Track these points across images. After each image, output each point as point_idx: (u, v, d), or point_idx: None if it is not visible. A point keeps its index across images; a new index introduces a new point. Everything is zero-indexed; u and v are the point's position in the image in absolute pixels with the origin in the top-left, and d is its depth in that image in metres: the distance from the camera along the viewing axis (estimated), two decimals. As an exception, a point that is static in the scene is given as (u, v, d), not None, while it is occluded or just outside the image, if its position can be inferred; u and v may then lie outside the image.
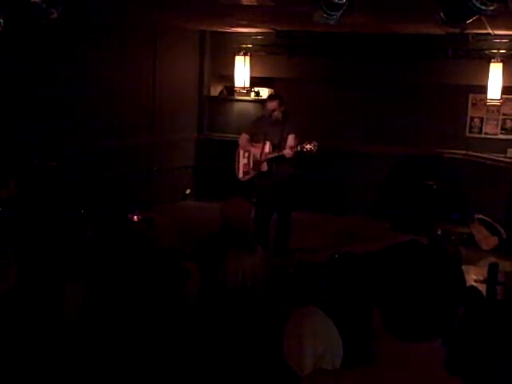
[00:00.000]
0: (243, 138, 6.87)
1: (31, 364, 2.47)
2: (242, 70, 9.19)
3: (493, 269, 4.91)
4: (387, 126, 8.63)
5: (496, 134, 8.32)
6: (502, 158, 7.96)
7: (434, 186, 8.16)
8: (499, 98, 8.00)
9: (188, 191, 9.59)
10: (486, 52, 8.07)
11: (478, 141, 8.34)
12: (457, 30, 6.04)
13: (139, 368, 2.48)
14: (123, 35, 7.72)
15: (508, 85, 7.98)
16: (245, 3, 6.38)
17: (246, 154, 6.84)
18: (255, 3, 6.29)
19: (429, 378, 1.36)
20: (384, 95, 8.62)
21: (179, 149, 9.43)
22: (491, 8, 3.92)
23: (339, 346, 2.42)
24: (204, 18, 7.96)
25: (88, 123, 7.20)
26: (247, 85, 9.25)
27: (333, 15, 4.38)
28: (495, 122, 8.33)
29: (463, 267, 1.45)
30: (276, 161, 6.55)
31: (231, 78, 9.32)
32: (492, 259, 6.38)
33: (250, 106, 9.28)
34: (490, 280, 4.86)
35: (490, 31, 7.45)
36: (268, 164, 6.58)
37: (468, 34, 7.77)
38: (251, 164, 6.79)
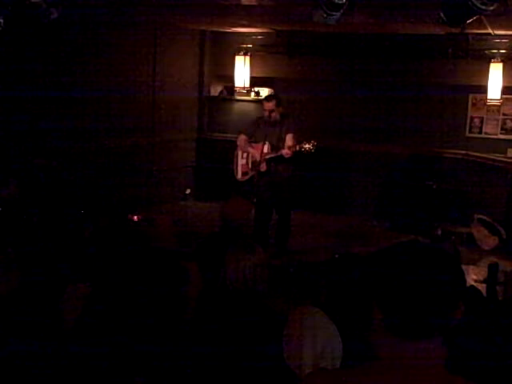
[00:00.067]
0: (241, 139, 6.87)
1: (32, 366, 2.48)
2: (242, 70, 9.19)
3: (493, 269, 4.92)
4: (387, 125, 8.62)
5: (496, 134, 8.31)
6: (501, 158, 7.96)
7: (434, 186, 8.16)
8: (499, 98, 8.00)
9: (188, 191, 9.59)
10: (486, 52, 8.06)
11: (478, 141, 8.34)
12: (457, 30, 6.03)
13: (139, 370, 2.48)
14: (123, 35, 7.72)
15: (508, 85, 7.97)
16: (245, 3, 6.38)
17: (245, 155, 6.84)
18: (255, 3, 6.29)
19: (429, 377, 1.36)
20: (384, 95, 8.62)
21: (179, 149, 9.43)
22: (491, 8, 3.92)
23: (339, 345, 2.42)
24: (204, 17, 7.95)
25: (88, 123, 7.21)
26: (247, 85, 9.25)
27: (333, 15, 4.38)
28: (495, 122, 8.32)
29: (463, 267, 1.45)
30: (275, 161, 6.56)
31: (231, 78, 9.31)
32: (492, 259, 6.38)
33: (250, 106, 9.28)
34: (490, 280, 4.86)
35: (490, 31, 7.44)
36: (267, 164, 6.58)
37: (468, 33, 7.76)
38: (250, 164, 6.80)
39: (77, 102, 7.09)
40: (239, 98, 9.55)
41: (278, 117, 6.55)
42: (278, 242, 6.81)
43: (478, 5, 3.86)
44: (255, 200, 6.57)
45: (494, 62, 7.97)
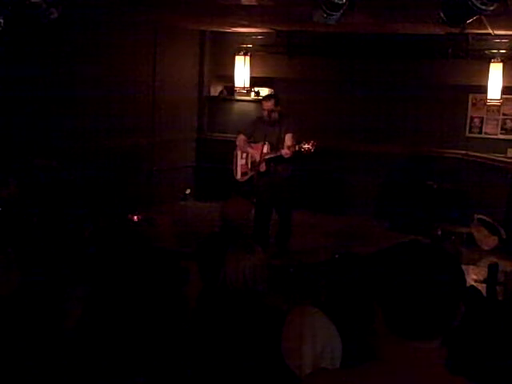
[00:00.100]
0: (240, 139, 6.86)
1: (33, 367, 2.47)
2: (242, 70, 9.19)
3: (493, 269, 4.92)
4: (387, 125, 8.63)
5: (496, 134, 8.31)
6: (502, 158, 7.96)
7: (434, 186, 8.16)
8: (499, 98, 8.00)
9: (188, 191, 9.59)
10: (486, 52, 8.06)
11: (478, 141, 8.34)
12: (457, 30, 6.03)
13: (140, 370, 2.48)
14: (123, 35, 7.72)
15: (508, 85, 7.97)
16: (245, 3, 6.38)
17: (244, 155, 6.84)
18: (255, 3, 6.29)
19: (429, 377, 1.36)
20: (384, 95, 8.62)
21: (179, 149, 9.43)
22: (491, 8, 3.92)
23: (338, 345, 2.42)
24: (204, 17, 7.95)
25: (88, 123, 7.21)
26: (247, 85, 9.25)
27: (333, 15, 4.38)
28: (495, 122, 8.32)
29: (463, 267, 1.45)
30: (274, 161, 6.55)
31: (231, 78, 9.31)
32: (492, 259, 6.38)
33: (250, 106, 9.28)
34: (490, 280, 4.86)
35: (490, 31, 7.44)
36: (266, 164, 6.58)
37: (468, 33, 7.76)
38: (249, 165, 6.79)
39: (77, 102, 7.09)
40: (239, 98, 9.55)
41: (276, 116, 6.55)
42: (278, 242, 6.81)
43: (478, 5, 3.86)
44: (255, 200, 6.56)
45: (493, 61, 7.98)
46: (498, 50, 8.01)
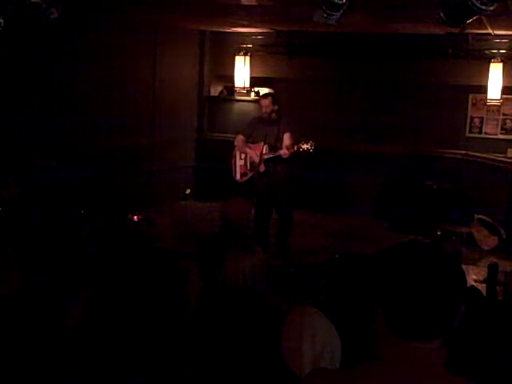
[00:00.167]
0: (239, 139, 6.86)
1: (33, 367, 2.47)
2: (242, 70, 9.19)
3: (493, 269, 4.92)
4: (387, 125, 8.63)
5: (496, 134, 8.32)
6: (502, 158, 7.96)
7: (434, 186, 8.16)
8: (499, 97, 8.00)
9: (188, 191, 9.59)
10: (486, 52, 8.06)
11: (478, 141, 8.34)
12: (457, 30, 6.03)
13: (140, 370, 2.48)
14: (123, 35, 7.72)
15: (508, 85, 7.98)
16: (245, 3, 6.38)
17: (243, 156, 6.83)
18: (255, 3, 6.29)
19: (429, 377, 1.36)
20: (384, 95, 8.62)
21: (179, 149, 9.43)
22: (491, 8, 3.92)
23: (338, 345, 2.42)
24: (204, 17, 7.95)
25: (88, 123, 7.21)
26: (247, 85, 9.25)
27: (333, 15, 4.38)
28: (495, 122, 8.32)
29: (463, 267, 1.45)
30: (273, 161, 6.55)
31: (231, 78, 9.32)
32: (492, 259, 6.38)
33: (250, 106, 9.28)
34: (490, 280, 4.86)
35: (490, 31, 7.44)
36: (265, 165, 6.57)
37: (468, 33, 7.76)
38: (248, 165, 6.79)
39: (77, 101, 7.09)
40: (239, 98, 9.55)
41: (275, 115, 6.55)
42: (278, 241, 6.80)
43: (478, 5, 3.86)
44: (255, 200, 6.56)
45: (493, 62, 7.98)
46: (498, 50, 8.02)
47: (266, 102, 6.60)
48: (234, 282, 2.77)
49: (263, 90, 9.29)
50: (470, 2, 3.87)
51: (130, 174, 8.01)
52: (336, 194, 8.85)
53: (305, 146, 6.33)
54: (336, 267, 4.85)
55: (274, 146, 6.51)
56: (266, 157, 6.52)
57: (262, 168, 6.58)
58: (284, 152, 6.41)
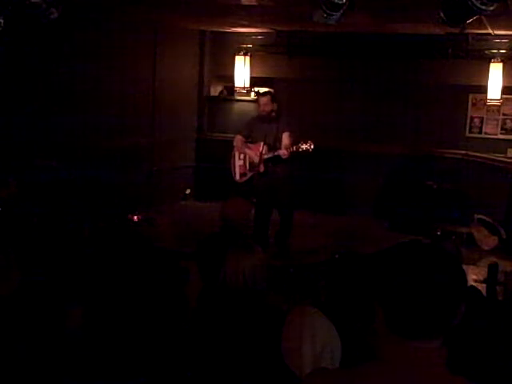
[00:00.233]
0: (238, 140, 6.86)
1: (33, 367, 2.47)
2: (242, 70, 9.19)
3: (493, 269, 4.92)
4: (387, 125, 8.62)
5: (496, 134, 8.32)
6: (502, 158, 7.96)
7: (434, 186, 8.16)
8: (499, 97, 8.00)
9: (188, 191, 9.59)
10: (486, 52, 8.06)
11: (478, 141, 8.34)
12: (457, 30, 6.03)
13: (140, 370, 2.48)
14: (123, 35, 7.72)
15: (508, 85, 7.98)
16: (245, 3, 6.38)
17: (242, 156, 6.83)
18: (255, 3, 6.29)
19: (429, 377, 1.36)
20: (384, 95, 8.62)
21: (179, 149, 9.43)
22: (491, 8, 3.92)
23: (338, 345, 2.42)
24: (204, 17, 7.95)
25: (88, 123, 7.20)
26: (247, 85, 9.25)
27: (333, 15, 4.38)
28: (495, 122, 8.33)
29: (463, 267, 1.45)
30: (273, 161, 6.54)
31: (231, 78, 9.31)
32: (492, 259, 6.38)
33: (250, 106, 9.27)
34: (490, 280, 4.87)
35: (490, 31, 7.44)
36: (265, 164, 6.56)
37: (468, 33, 7.76)
38: (247, 165, 6.78)
39: (77, 101, 7.09)
40: (239, 98, 9.55)
41: (273, 113, 6.55)
42: (278, 241, 6.80)
43: (478, 5, 3.86)
44: (255, 200, 6.56)
45: (493, 62, 7.98)
46: (498, 50, 8.01)
47: (264, 100, 6.60)
48: (234, 281, 2.77)
49: (263, 90, 9.28)
50: (470, 2, 3.87)
51: (130, 174, 8.01)
52: (336, 193, 8.85)
53: (304, 146, 6.32)
54: (336, 267, 4.85)
55: (274, 146, 6.50)
56: (265, 157, 6.51)
57: (262, 168, 6.57)
58: (283, 152, 6.40)
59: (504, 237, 7.22)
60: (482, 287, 4.65)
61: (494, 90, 7.96)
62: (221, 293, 2.81)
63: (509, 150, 8.17)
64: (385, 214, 8.25)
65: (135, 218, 6.87)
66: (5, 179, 5.13)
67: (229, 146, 7.12)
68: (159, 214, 7.63)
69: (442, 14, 4.36)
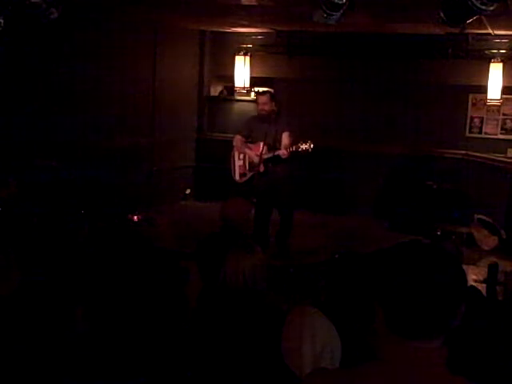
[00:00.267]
0: (237, 140, 6.85)
1: (33, 367, 2.48)
2: (241, 70, 9.19)
3: (493, 269, 4.92)
4: (387, 125, 8.62)
5: (496, 134, 8.32)
6: (502, 158, 7.96)
7: (434, 186, 8.16)
8: (499, 97, 8.00)
9: (188, 191, 9.59)
10: (486, 52, 8.06)
11: (478, 141, 8.34)
12: (457, 30, 6.04)
13: (140, 370, 2.48)
14: (123, 35, 7.72)
15: (508, 85, 7.98)
16: (245, 3, 6.38)
17: (242, 156, 6.82)
18: (255, 3, 6.29)
19: (429, 376, 1.36)
20: (384, 95, 8.62)
21: (179, 149, 9.43)
22: (491, 8, 3.92)
23: (338, 345, 2.42)
24: (204, 17, 7.95)
25: (88, 123, 7.20)
26: (247, 85, 9.25)
27: (333, 15, 4.38)
28: (495, 122, 8.33)
29: (463, 267, 1.46)
30: (272, 161, 6.54)
31: (231, 78, 9.31)
32: (492, 259, 6.38)
33: (250, 106, 9.26)
34: (490, 280, 4.86)
35: (490, 31, 7.44)
36: (264, 164, 6.55)
37: (468, 33, 7.76)
38: (247, 166, 6.78)
39: (77, 101, 7.09)
40: (239, 98, 9.55)
41: (272, 113, 6.55)
42: (278, 241, 6.80)
43: (478, 5, 3.86)
44: (255, 200, 6.55)
45: (493, 62, 7.98)
46: (498, 50, 8.01)
47: (263, 98, 6.60)
48: (234, 281, 2.77)
49: (262, 89, 9.29)
50: (470, 2, 3.87)
51: (130, 174, 8.01)
52: (336, 193, 8.85)
53: (304, 146, 6.32)
54: (336, 267, 4.85)
55: (273, 146, 6.50)
56: (264, 157, 6.51)
57: (262, 168, 6.57)
58: (283, 152, 6.40)
59: (504, 237, 7.21)
60: (482, 287, 4.65)
61: (494, 89, 7.96)
62: (221, 293, 2.81)
63: (509, 149, 8.16)
64: (385, 214, 8.25)
65: (135, 217, 6.87)
66: (5, 179, 5.13)
67: (229, 146, 7.12)
68: (159, 213, 7.62)
69: (442, 14, 4.36)
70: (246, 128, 6.87)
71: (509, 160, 7.85)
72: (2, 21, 4.52)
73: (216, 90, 9.85)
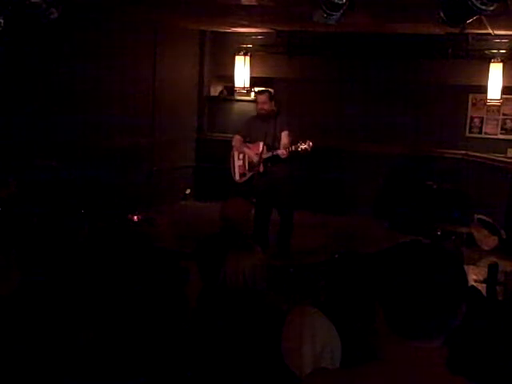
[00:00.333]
0: (237, 140, 6.85)
1: (33, 367, 2.47)
2: (242, 70, 9.19)
3: (493, 269, 4.92)
4: (387, 125, 8.62)
5: (496, 134, 8.32)
6: (502, 158, 7.96)
7: (434, 186, 8.16)
8: (499, 97, 8.00)
9: (188, 191, 9.59)
10: (486, 52, 8.06)
11: (478, 141, 8.34)
12: (457, 30, 6.04)
13: (140, 370, 2.48)
14: (123, 35, 7.72)
15: (508, 85, 7.98)
16: (245, 3, 6.38)
17: (241, 156, 6.82)
18: (255, 3, 6.29)
19: (430, 376, 1.36)
20: (384, 95, 8.62)
21: (179, 149, 9.43)
22: (491, 8, 3.92)
23: (338, 345, 2.42)
24: (204, 17, 7.96)
25: (88, 123, 7.20)
26: (247, 85, 9.25)
27: (333, 15, 4.38)
28: (495, 122, 8.33)
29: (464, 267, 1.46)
30: (272, 161, 6.53)
31: (231, 78, 9.31)
32: (492, 259, 6.38)
33: (250, 106, 9.26)
34: (490, 280, 4.86)
35: (490, 31, 7.44)
36: (264, 164, 6.55)
37: (468, 33, 7.76)
38: (247, 166, 6.77)
39: (77, 101, 7.09)
40: (239, 98, 9.56)
41: (272, 112, 6.55)
42: (279, 241, 6.79)
43: (478, 5, 3.86)
44: (255, 200, 6.55)
45: (493, 62, 7.98)
46: (498, 49, 8.02)
47: (262, 97, 6.59)
48: (234, 281, 2.77)
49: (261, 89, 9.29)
50: (470, 2, 3.87)
51: (130, 174, 8.01)
52: (336, 193, 8.85)
53: (303, 146, 6.32)
54: (336, 267, 4.85)
55: (272, 146, 6.49)
56: (264, 156, 6.51)
57: (261, 168, 6.56)
58: (282, 152, 6.40)
59: (504, 237, 7.21)
60: (482, 287, 4.64)
61: (494, 90, 7.96)
62: (221, 293, 2.81)
63: (509, 149, 8.17)
64: (385, 214, 8.25)
65: (135, 217, 6.86)
66: (5, 179, 5.13)
67: (229, 146, 7.12)
68: (159, 213, 7.62)
69: (442, 14, 4.36)
70: (246, 128, 6.87)
71: (509, 160, 7.85)
72: (2, 21, 4.52)
73: (216, 90, 9.85)
